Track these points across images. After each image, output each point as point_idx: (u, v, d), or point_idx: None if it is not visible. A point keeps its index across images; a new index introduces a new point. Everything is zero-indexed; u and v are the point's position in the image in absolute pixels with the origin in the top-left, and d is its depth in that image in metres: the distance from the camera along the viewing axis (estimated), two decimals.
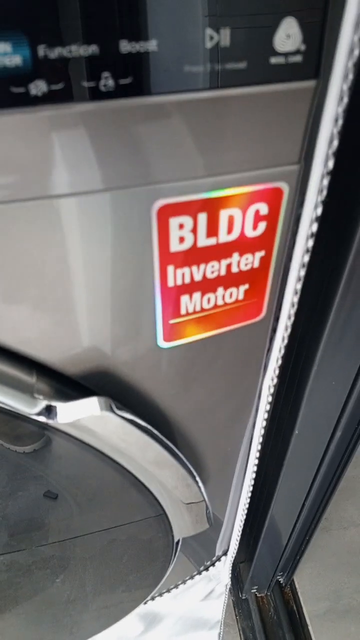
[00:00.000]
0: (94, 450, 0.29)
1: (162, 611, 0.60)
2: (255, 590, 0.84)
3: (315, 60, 0.21)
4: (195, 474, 0.35)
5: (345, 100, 0.23)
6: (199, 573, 0.56)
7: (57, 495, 0.59)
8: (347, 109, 0.23)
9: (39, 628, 0.65)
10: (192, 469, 0.34)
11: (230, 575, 0.60)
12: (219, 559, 0.55)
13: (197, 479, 0.35)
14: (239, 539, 0.55)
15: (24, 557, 0.64)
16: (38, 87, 0.18)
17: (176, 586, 0.56)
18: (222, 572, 0.58)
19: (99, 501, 0.49)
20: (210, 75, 0.20)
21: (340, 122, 0.24)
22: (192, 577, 0.56)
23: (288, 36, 0.20)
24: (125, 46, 0.18)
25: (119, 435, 0.28)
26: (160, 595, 0.56)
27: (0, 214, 0.21)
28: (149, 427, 0.30)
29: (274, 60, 0.20)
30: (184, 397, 0.32)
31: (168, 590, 0.56)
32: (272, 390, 0.36)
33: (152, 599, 0.56)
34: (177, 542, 0.44)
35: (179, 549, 0.45)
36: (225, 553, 0.55)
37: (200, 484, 0.35)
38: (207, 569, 0.56)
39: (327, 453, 0.55)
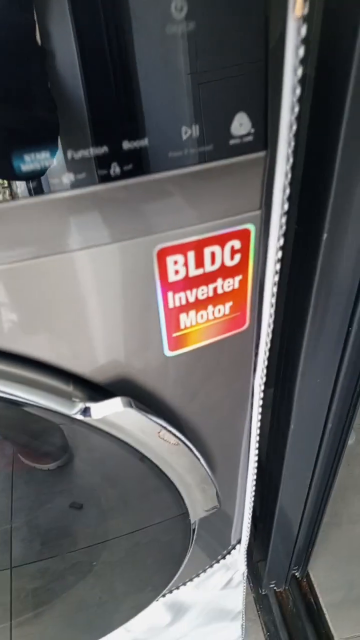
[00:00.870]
0: (118, 441, 0.37)
1: (187, 601, 0.66)
2: (273, 586, 0.89)
3: (262, 138, 0.29)
4: (202, 460, 0.42)
5: (291, 160, 0.31)
6: (217, 562, 0.62)
7: (82, 505, 0.66)
8: (292, 166, 0.31)
9: (73, 629, 0.71)
10: (199, 455, 0.41)
11: (246, 563, 0.66)
12: (234, 548, 0.62)
13: (204, 464, 0.42)
14: (249, 527, 0.62)
15: (56, 563, 0.70)
16: (68, 177, 0.26)
17: (197, 575, 0.62)
18: (238, 560, 0.64)
19: (120, 505, 0.56)
20: (187, 157, 0.28)
21: (289, 175, 0.31)
22: (211, 566, 0.62)
23: (241, 124, 0.28)
24: (126, 144, 0.26)
25: (138, 427, 0.36)
26: (184, 584, 0.62)
27: (40, 266, 0.29)
28: (161, 420, 0.37)
29: (232, 142, 0.28)
30: (188, 395, 0.40)
31: (190, 579, 0.62)
32: (262, 387, 0.44)
33: (177, 588, 0.62)
34: (194, 530, 0.50)
35: (195, 535, 0.52)
36: (239, 542, 0.62)
37: (208, 469, 0.43)
38: (224, 557, 0.62)
39: (322, 446, 0.62)
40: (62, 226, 0.28)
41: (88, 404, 0.33)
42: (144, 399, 0.37)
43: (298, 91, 0.28)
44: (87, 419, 0.34)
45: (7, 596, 0.71)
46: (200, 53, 0.25)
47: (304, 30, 0.26)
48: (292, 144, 0.30)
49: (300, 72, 0.28)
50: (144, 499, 0.49)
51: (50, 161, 0.25)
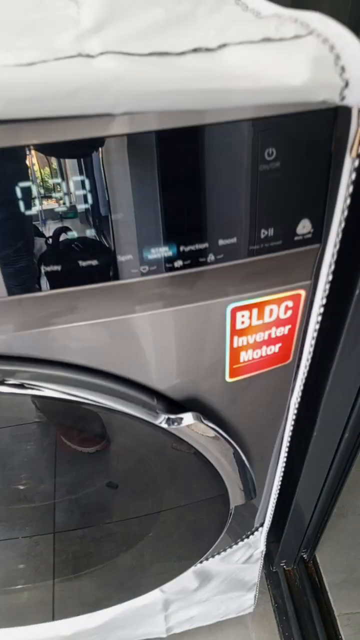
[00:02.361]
0: (186, 444, 0.48)
1: (213, 571, 0.77)
2: (283, 565, 1.01)
3: (319, 235, 0.39)
4: (245, 460, 0.53)
5: (337, 247, 0.41)
6: (242, 540, 0.74)
7: (118, 485, 0.77)
8: (338, 252, 0.41)
9: (107, 588, 0.82)
10: (244, 457, 0.52)
11: (265, 543, 0.78)
12: (257, 529, 0.73)
13: (247, 464, 0.53)
14: (271, 516, 0.73)
15: (94, 532, 0.81)
16: (179, 263, 0.36)
17: (224, 550, 0.74)
18: (259, 540, 0.75)
19: (152, 490, 0.67)
20: (262, 249, 0.38)
21: (335, 259, 0.41)
22: (236, 543, 0.74)
23: (304, 227, 0.38)
24: (221, 242, 0.36)
25: (202, 434, 0.47)
26: (213, 557, 0.74)
27: (154, 317, 0.39)
28: (219, 429, 0.48)
29: (296, 238, 0.38)
30: (239, 410, 0.50)
31: (218, 553, 0.74)
32: (296, 406, 0.54)
33: (207, 559, 0.74)
34: (230, 513, 0.61)
35: (231, 518, 0.63)
36: (262, 524, 0.73)
37: (250, 467, 0.53)
38: (247, 537, 0.73)
39: (338, 451, 0.73)
40: (174, 290, 0.38)
41: (168, 416, 0.44)
42: (206, 412, 0.48)
43: (348, 201, 0.38)
44: (166, 427, 0.44)
45: (51, 557, 0.83)
46: (281, 181, 0.35)
47: (356, 163, 0.36)
48: (339, 237, 0.40)
49: (351, 189, 0.37)
50: (191, 487, 0.60)
51: (168, 252, 0.36)
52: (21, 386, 0.39)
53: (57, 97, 0.29)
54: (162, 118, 0.31)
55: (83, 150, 0.31)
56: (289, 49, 0.33)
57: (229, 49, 0.34)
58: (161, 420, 0.44)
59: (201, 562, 0.74)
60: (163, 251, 0.36)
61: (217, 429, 0.48)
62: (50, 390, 0.41)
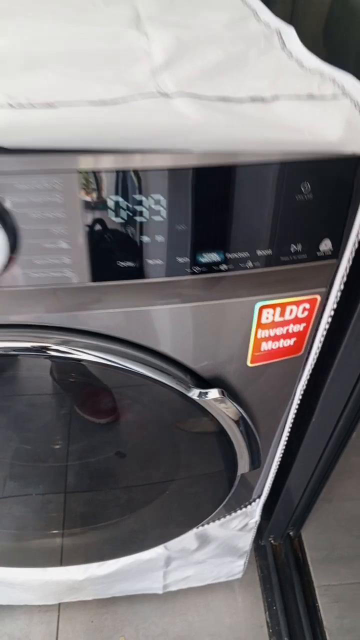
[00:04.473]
0: (210, 415, 0.57)
1: (212, 535, 0.88)
2: (271, 539, 1.12)
3: (337, 252, 0.48)
4: (255, 433, 0.62)
5: (350, 263, 0.50)
6: (240, 509, 0.84)
7: (126, 455, 0.85)
8: (351, 267, 0.50)
9: (111, 546, 0.91)
10: (254, 430, 0.62)
11: (260, 514, 0.88)
12: (254, 500, 0.83)
13: (257, 437, 0.63)
14: (268, 490, 0.83)
15: (101, 495, 0.90)
16: (224, 266, 0.45)
17: (224, 516, 0.84)
18: (255, 510, 0.86)
19: (164, 460, 0.76)
20: (290, 260, 0.47)
21: (347, 272, 0.51)
22: (235, 511, 0.84)
23: (326, 245, 0.47)
24: (259, 252, 0.45)
25: (224, 407, 0.56)
26: (213, 521, 0.84)
27: (194, 309, 0.49)
28: (237, 405, 0.57)
29: (318, 254, 0.47)
30: (256, 391, 0.60)
31: (218, 519, 0.84)
32: (302, 392, 0.64)
33: (208, 523, 0.84)
34: (236, 481, 0.71)
35: (235, 487, 0.73)
36: (259, 496, 0.83)
37: (258, 440, 0.63)
38: (246, 506, 0.83)
39: (332, 438, 0.82)
40: (217, 288, 0.48)
41: (199, 390, 0.54)
42: (227, 390, 0.57)
43: None
44: (197, 400, 0.54)
45: (61, 514, 0.91)
46: (312, 208, 0.44)
47: None
48: (353, 255, 0.49)
49: None
50: (205, 456, 0.70)
51: (218, 257, 0.45)
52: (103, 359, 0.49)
53: (151, 138, 0.38)
54: (222, 156, 0.40)
55: (160, 176, 0.41)
56: (328, 108, 0.42)
57: (280, 102, 0.43)
58: (193, 393, 0.54)
59: (203, 525, 0.84)
60: (212, 257, 0.45)
61: (235, 404, 0.57)
62: (108, 361, 0.50)
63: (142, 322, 0.50)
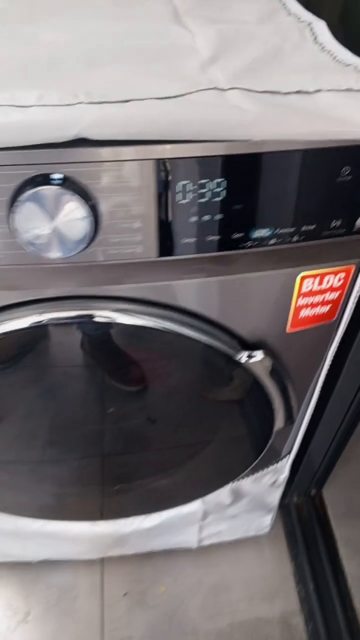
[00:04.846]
0: (253, 375, 0.64)
1: (245, 490, 0.95)
2: (295, 498, 1.20)
3: None
4: (291, 392, 0.70)
5: None
6: (272, 464, 0.91)
7: (155, 420, 0.92)
8: None
9: (156, 500, 0.97)
10: (290, 389, 0.69)
11: (289, 470, 0.96)
12: (284, 457, 0.91)
13: (292, 395, 0.70)
14: (297, 447, 0.91)
15: (134, 458, 0.96)
16: (273, 241, 0.52)
17: (257, 472, 0.92)
18: (285, 467, 0.93)
19: (203, 422, 0.83)
20: (332, 234, 0.53)
21: None
22: (267, 467, 0.91)
23: None
24: (304, 227, 0.52)
25: (266, 367, 0.63)
26: (247, 477, 0.92)
27: (243, 280, 0.55)
28: (277, 363, 0.64)
29: (354, 229, 0.53)
30: (293, 354, 0.67)
31: (252, 474, 0.92)
32: (332, 356, 0.71)
33: (242, 478, 0.92)
34: (272, 436, 0.79)
35: (270, 442, 0.80)
36: (288, 453, 0.91)
37: (293, 398, 0.70)
38: (277, 462, 0.91)
39: (354, 401, 0.90)
40: (266, 260, 0.54)
41: (246, 353, 0.61)
42: (269, 351, 0.64)
43: None
44: (244, 362, 0.61)
45: (99, 476, 0.97)
46: (350, 189, 0.50)
47: None
48: None
49: None
50: (246, 414, 0.77)
51: (267, 234, 0.51)
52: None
53: (216, 129, 0.45)
54: (274, 144, 0.46)
55: (222, 162, 0.47)
56: None
57: (322, 95, 0.49)
58: (241, 356, 0.60)
59: (238, 480, 0.92)
60: (263, 232, 0.51)
61: (276, 365, 0.64)
62: (169, 329, 0.57)
63: (199, 293, 0.56)
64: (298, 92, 0.50)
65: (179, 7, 0.71)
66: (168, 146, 0.45)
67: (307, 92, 0.49)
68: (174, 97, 0.48)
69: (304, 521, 1.19)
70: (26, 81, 0.50)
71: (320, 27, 0.63)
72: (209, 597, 1.10)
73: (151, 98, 0.47)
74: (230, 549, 1.15)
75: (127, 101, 0.46)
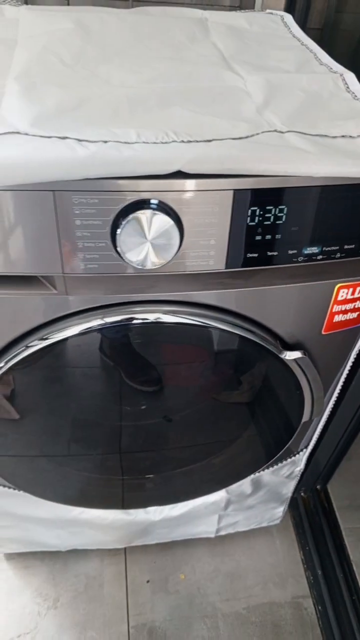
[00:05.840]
0: (290, 371, 0.74)
1: (264, 480, 1.05)
2: (301, 492, 1.30)
3: None
4: (322, 387, 0.80)
5: None
6: (290, 457, 1.01)
7: (172, 419, 1.00)
8: None
9: (186, 489, 1.04)
10: (321, 384, 0.79)
11: (305, 463, 1.06)
12: (302, 450, 1.01)
13: (322, 390, 0.80)
14: (315, 441, 1.01)
15: (153, 455, 1.03)
16: (320, 257, 0.62)
17: (277, 464, 1.01)
18: (302, 459, 1.03)
19: (239, 414, 0.93)
20: None
21: None
22: (285, 459, 1.01)
23: None
24: (346, 246, 0.62)
25: (303, 365, 0.73)
26: (268, 468, 1.02)
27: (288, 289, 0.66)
28: (312, 364, 0.75)
29: None
30: (326, 354, 0.77)
31: (272, 466, 1.01)
32: (355, 356, 0.81)
33: (263, 470, 1.02)
34: (298, 429, 0.88)
35: (295, 436, 0.90)
36: (306, 447, 1.01)
37: (322, 391, 0.81)
38: (295, 455, 1.01)
39: None
40: (312, 272, 0.64)
41: (288, 351, 0.71)
42: (305, 351, 0.74)
43: None
44: (284, 359, 0.71)
45: (119, 471, 1.05)
46: None
47: None
48: None
49: None
50: (279, 406, 0.87)
51: (316, 251, 0.62)
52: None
53: (284, 165, 0.55)
54: (326, 179, 0.56)
55: (286, 192, 0.57)
56: None
57: None
58: (285, 355, 0.71)
59: (259, 471, 1.01)
60: (313, 249, 0.62)
61: (311, 362, 0.75)
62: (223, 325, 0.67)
63: (254, 299, 0.66)
64: (343, 136, 0.60)
65: (224, 52, 0.81)
66: (245, 179, 0.55)
67: (351, 137, 0.60)
68: (246, 137, 0.58)
69: (310, 513, 1.29)
70: (117, 119, 0.59)
71: (350, 77, 0.74)
72: (225, 583, 1.18)
73: (229, 138, 0.57)
74: (244, 539, 1.24)
75: (210, 141, 0.56)
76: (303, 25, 0.92)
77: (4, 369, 0.69)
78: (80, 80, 0.68)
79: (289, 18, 0.92)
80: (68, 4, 1.17)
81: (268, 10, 0.95)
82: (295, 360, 0.73)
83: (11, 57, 0.72)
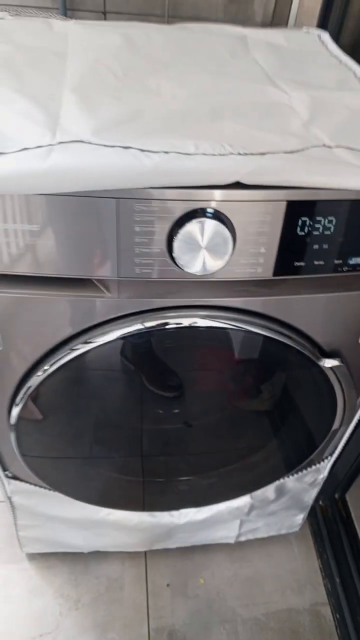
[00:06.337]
0: (326, 377, 0.76)
1: (288, 487, 1.06)
2: (320, 501, 1.32)
3: None
4: (355, 392, 0.82)
5: None
6: (315, 464, 1.03)
7: (192, 425, 1.01)
8: None
9: (214, 493, 1.05)
10: (355, 390, 0.81)
11: (328, 471, 1.07)
12: (326, 458, 1.02)
13: (356, 396, 0.82)
14: (340, 450, 1.02)
15: (174, 460, 1.05)
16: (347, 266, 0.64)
17: (301, 470, 1.03)
18: (326, 467, 1.05)
19: (275, 419, 0.94)
20: None
21: None
22: (310, 466, 1.03)
23: None
24: None
25: (340, 372, 0.75)
26: (292, 475, 1.03)
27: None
28: (347, 371, 0.77)
29: None
30: (357, 362, 0.79)
31: (296, 473, 1.03)
32: None
33: (287, 476, 1.03)
34: (328, 435, 0.90)
35: (323, 443, 0.92)
36: (331, 454, 1.02)
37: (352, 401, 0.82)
38: (320, 462, 1.03)
39: None
40: (352, 283, 0.67)
41: (326, 359, 0.73)
42: (342, 359, 0.76)
43: None
44: (322, 366, 0.73)
45: (140, 473, 1.06)
46: None
47: None
48: None
49: None
50: (314, 412, 0.88)
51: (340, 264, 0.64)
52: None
53: (336, 179, 0.57)
54: None
55: (335, 205, 0.59)
56: None
57: None
58: (323, 362, 0.73)
59: (285, 477, 1.03)
60: (358, 260, 0.64)
61: (347, 370, 0.76)
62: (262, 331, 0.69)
63: (297, 307, 0.69)
64: None
65: (265, 68, 0.84)
66: (298, 191, 0.57)
67: None
68: (297, 151, 0.60)
69: (329, 522, 1.30)
70: (173, 130, 0.62)
71: None
72: (244, 589, 1.19)
73: (281, 152, 0.59)
74: (263, 545, 1.25)
75: (263, 154, 0.59)
76: (336, 41, 0.94)
77: (48, 372, 0.71)
78: (133, 92, 0.70)
79: (325, 36, 0.94)
80: (105, 19, 1.20)
81: (305, 29, 0.98)
82: (331, 367, 0.74)
83: (63, 68, 0.75)
